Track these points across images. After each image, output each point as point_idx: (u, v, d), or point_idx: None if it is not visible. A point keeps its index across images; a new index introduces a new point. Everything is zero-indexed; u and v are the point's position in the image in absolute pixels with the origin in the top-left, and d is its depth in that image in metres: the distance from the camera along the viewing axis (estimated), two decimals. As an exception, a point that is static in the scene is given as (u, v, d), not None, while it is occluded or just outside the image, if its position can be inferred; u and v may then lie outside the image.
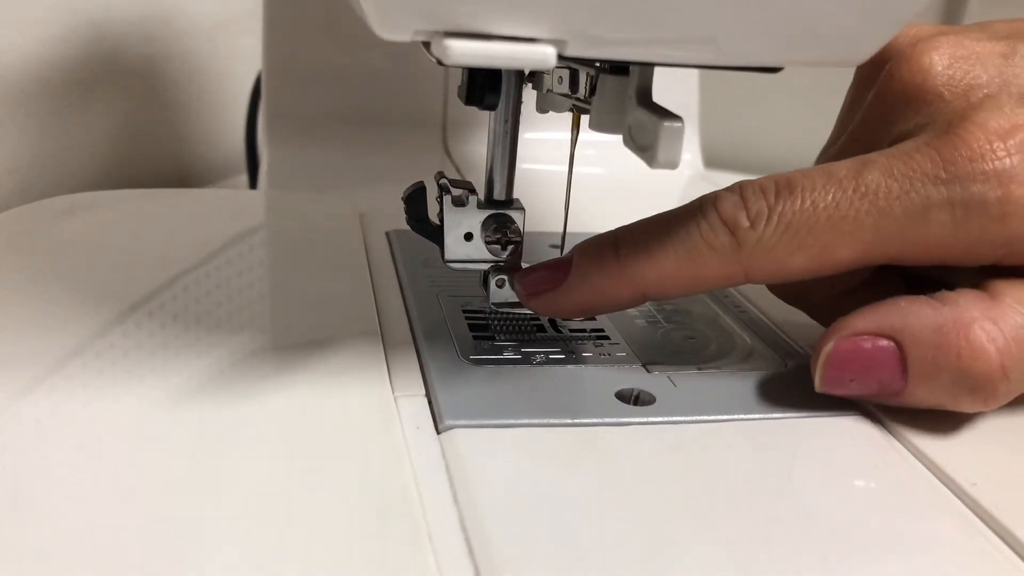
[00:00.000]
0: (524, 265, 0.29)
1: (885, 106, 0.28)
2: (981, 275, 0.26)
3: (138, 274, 0.33)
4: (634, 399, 0.27)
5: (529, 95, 0.28)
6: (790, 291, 0.31)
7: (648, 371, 0.29)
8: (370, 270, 0.35)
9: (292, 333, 0.31)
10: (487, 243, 0.28)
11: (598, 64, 0.26)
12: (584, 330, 0.31)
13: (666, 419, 0.26)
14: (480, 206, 0.28)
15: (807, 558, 0.21)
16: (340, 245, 0.38)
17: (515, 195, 0.29)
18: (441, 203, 0.28)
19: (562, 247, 0.31)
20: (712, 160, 0.55)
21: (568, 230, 0.31)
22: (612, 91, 0.26)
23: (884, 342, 0.25)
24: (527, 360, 0.29)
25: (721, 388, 0.28)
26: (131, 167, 0.61)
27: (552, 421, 0.25)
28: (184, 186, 0.65)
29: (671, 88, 0.28)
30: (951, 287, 0.26)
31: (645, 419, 0.26)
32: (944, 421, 0.26)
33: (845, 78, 0.31)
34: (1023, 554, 0.21)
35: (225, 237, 0.38)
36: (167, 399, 0.25)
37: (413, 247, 0.37)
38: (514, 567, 0.20)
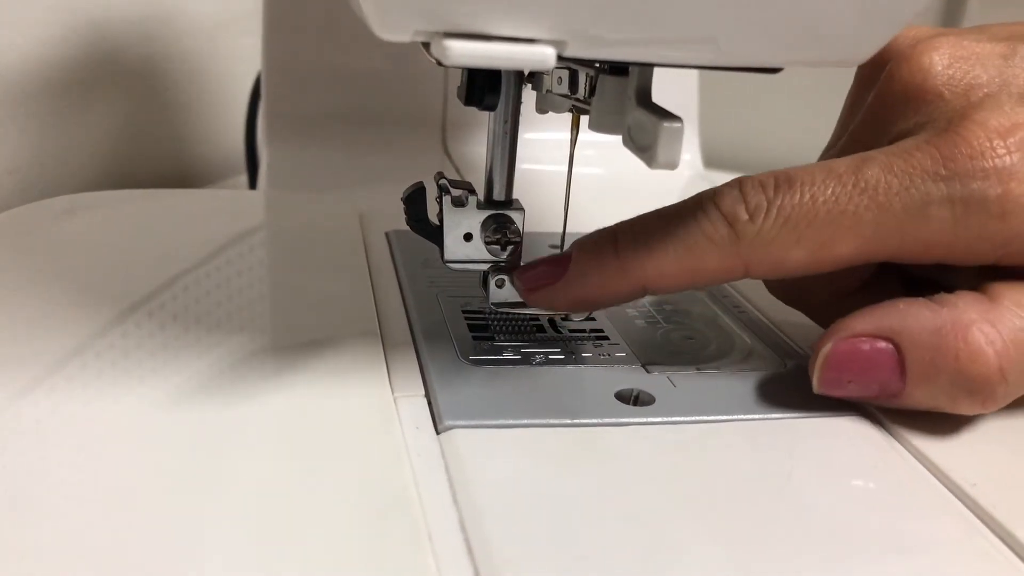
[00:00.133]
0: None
1: (885, 106, 0.28)
2: (980, 277, 0.26)
3: (138, 274, 0.33)
4: (633, 399, 0.27)
5: (529, 96, 0.28)
6: (789, 292, 0.31)
7: (647, 371, 0.29)
8: (370, 270, 0.35)
9: (292, 333, 0.31)
10: (487, 243, 0.28)
11: (597, 65, 0.26)
12: (584, 330, 0.31)
13: (666, 419, 0.26)
14: (480, 206, 0.28)
15: (807, 558, 0.21)
16: (340, 245, 0.38)
17: (515, 195, 0.29)
18: (441, 203, 0.28)
19: (562, 247, 0.31)
20: (712, 160, 0.55)
21: (568, 230, 0.31)
22: (611, 91, 0.26)
23: (882, 344, 0.25)
24: (527, 360, 0.29)
25: (720, 388, 0.28)
26: (131, 167, 0.61)
27: (552, 421, 0.25)
28: (184, 186, 0.65)
29: (670, 88, 0.28)
30: (950, 289, 0.26)
31: (644, 419, 0.26)
32: (943, 421, 0.26)
33: (845, 78, 0.31)
34: (1022, 555, 0.21)
35: (225, 237, 0.38)
36: (167, 399, 0.25)
37: (413, 247, 0.37)
38: (513, 567, 0.20)
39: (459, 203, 0.28)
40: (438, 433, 0.25)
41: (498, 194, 0.29)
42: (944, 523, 0.22)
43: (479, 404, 0.26)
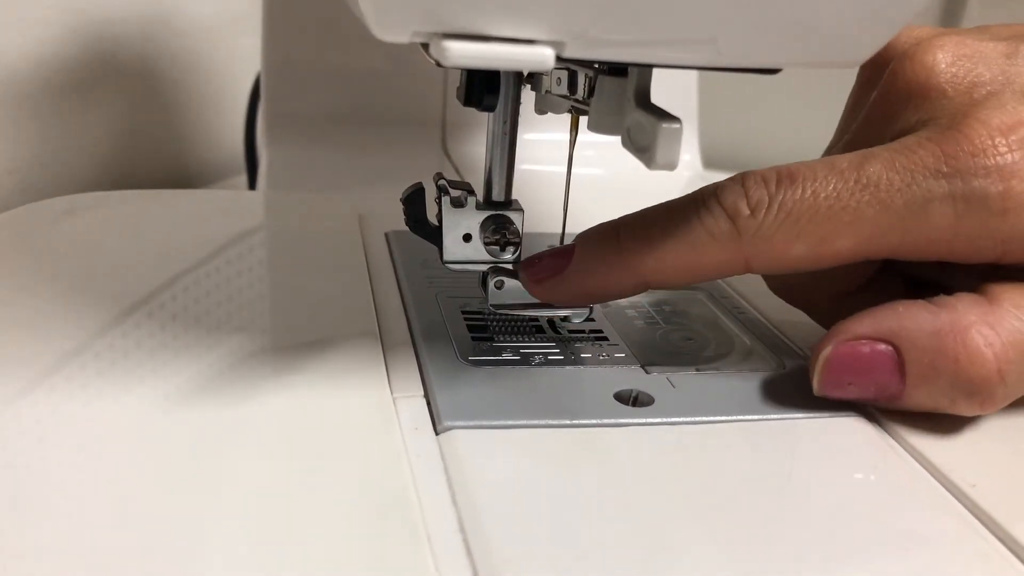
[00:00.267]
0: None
1: (888, 103, 0.28)
2: (980, 279, 0.26)
3: (138, 274, 0.33)
4: (633, 400, 0.27)
5: (528, 96, 0.28)
6: (791, 291, 0.31)
7: (647, 372, 0.29)
8: (369, 271, 0.35)
9: (291, 334, 0.31)
10: (486, 244, 0.28)
11: (597, 65, 0.26)
12: (583, 331, 0.31)
13: (665, 420, 0.26)
14: (479, 207, 0.28)
15: (807, 558, 0.21)
16: (339, 246, 0.38)
17: (514, 196, 0.29)
18: (440, 204, 0.28)
19: (561, 247, 0.31)
20: (711, 161, 0.55)
21: (567, 231, 0.31)
22: (611, 92, 0.26)
23: (882, 346, 0.25)
24: (526, 361, 0.29)
25: (720, 389, 0.28)
26: (131, 167, 0.61)
27: (551, 422, 0.25)
28: (184, 186, 0.65)
29: (670, 89, 0.28)
30: (950, 291, 0.26)
31: (644, 420, 0.26)
32: (943, 422, 0.26)
33: (845, 78, 0.31)
34: (1021, 555, 0.21)
35: (225, 237, 0.38)
36: (167, 399, 0.25)
37: (412, 248, 0.37)
38: (513, 567, 0.20)
39: (458, 204, 0.28)
40: (437, 433, 0.25)
41: (497, 195, 0.29)
42: (943, 523, 0.22)
43: (478, 404, 0.26)
